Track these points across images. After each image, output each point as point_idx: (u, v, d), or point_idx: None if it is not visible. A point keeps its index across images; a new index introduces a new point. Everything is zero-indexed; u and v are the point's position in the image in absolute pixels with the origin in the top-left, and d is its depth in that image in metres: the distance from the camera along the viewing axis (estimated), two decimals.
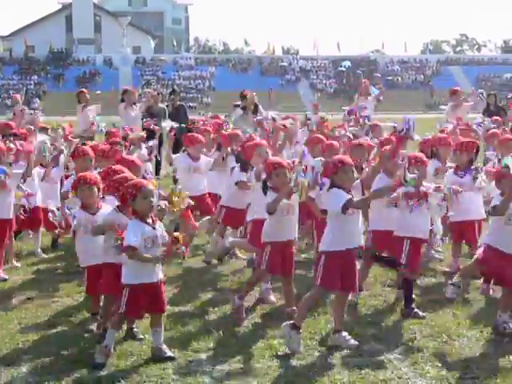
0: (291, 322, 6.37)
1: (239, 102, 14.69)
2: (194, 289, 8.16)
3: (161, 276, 6.15)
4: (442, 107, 15.61)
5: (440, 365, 5.94)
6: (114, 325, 6.19)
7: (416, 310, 7.14)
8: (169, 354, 6.11)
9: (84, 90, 16.65)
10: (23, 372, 5.86)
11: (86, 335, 6.66)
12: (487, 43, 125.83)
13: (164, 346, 6.16)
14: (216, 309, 7.44)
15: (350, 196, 6.20)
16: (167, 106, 17.34)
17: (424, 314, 7.09)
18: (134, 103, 15.40)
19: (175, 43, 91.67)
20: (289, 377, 5.75)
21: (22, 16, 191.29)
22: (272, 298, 7.69)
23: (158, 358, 6.06)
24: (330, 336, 6.47)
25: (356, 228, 6.41)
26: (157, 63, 78.04)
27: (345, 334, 6.41)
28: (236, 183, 8.66)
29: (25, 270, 9.01)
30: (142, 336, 6.53)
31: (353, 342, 6.35)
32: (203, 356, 6.16)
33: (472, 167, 8.36)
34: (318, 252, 6.86)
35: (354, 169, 6.43)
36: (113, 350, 6.11)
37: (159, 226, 6.12)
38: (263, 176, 7.22)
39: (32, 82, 71.80)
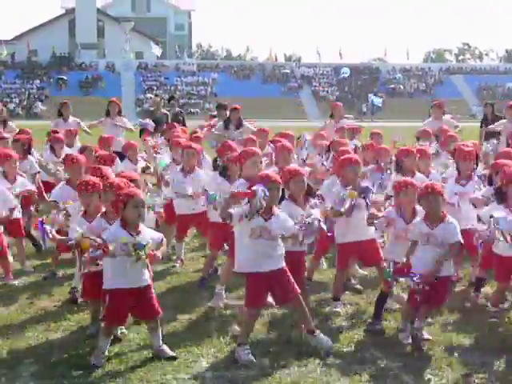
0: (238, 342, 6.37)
1: (215, 113, 14.94)
2: (195, 295, 8.16)
3: (146, 282, 6.20)
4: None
5: (441, 373, 5.95)
6: (103, 331, 6.25)
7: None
8: (170, 353, 6.21)
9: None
10: (24, 376, 5.86)
11: (86, 340, 6.65)
12: (489, 53, 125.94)
13: (164, 347, 6.25)
14: (216, 314, 7.45)
15: None
16: (168, 111, 17.38)
17: (431, 320, 7.07)
18: (120, 114, 15.23)
19: (178, 49, 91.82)
20: None
21: (25, 20, 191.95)
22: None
23: (160, 358, 6.16)
24: (304, 335, 6.53)
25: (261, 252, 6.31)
26: (159, 69, 78.11)
27: (317, 332, 6.44)
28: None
29: (26, 274, 9.00)
30: (124, 331, 6.66)
31: (327, 341, 6.41)
32: (203, 361, 6.17)
33: (478, 175, 8.39)
34: None
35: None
36: (111, 354, 6.17)
37: (143, 236, 6.12)
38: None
39: (34, 86, 71.84)
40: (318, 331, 6.49)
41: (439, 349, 6.49)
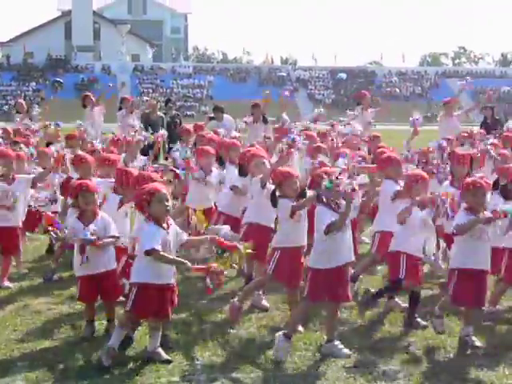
0: (284, 331, 6.40)
1: (212, 115, 15.13)
2: (189, 297, 8.16)
3: (172, 280, 6.20)
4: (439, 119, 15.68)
5: (435, 377, 5.95)
6: (122, 324, 6.23)
7: (418, 319, 7.17)
8: (165, 357, 6.18)
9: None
10: (18, 380, 5.85)
11: (82, 343, 6.64)
12: (485, 56, 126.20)
13: (160, 350, 6.22)
14: (211, 317, 7.46)
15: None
16: (165, 113, 17.44)
17: (425, 323, 7.12)
18: (132, 111, 15.67)
19: (174, 52, 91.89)
20: None
21: (22, 22, 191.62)
22: (264, 302, 7.71)
23: (154, 360, 6.12)
24: (323, 345, 6.49)
25: (342, 245, 6.37)
26: (155, 71, 78.07)
27: (337, 343, 6.42)
28: (231, 188, 8.63)
29: (21, 277, 8.99)
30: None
31: (345, 351, 6.37)
32: (198, 365, 6.17)
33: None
34: None
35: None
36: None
37: (172, 231, 6.16)
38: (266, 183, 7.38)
39: (30, 88, 71.74)
40: (337, 341, 6.48)
41: (435, 352, 6.50)
